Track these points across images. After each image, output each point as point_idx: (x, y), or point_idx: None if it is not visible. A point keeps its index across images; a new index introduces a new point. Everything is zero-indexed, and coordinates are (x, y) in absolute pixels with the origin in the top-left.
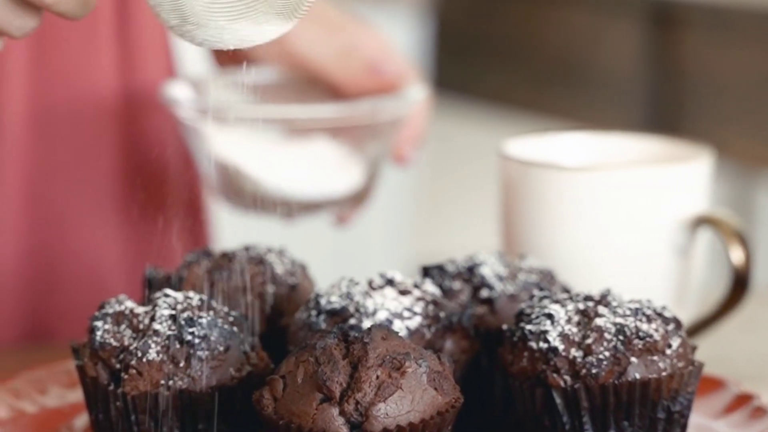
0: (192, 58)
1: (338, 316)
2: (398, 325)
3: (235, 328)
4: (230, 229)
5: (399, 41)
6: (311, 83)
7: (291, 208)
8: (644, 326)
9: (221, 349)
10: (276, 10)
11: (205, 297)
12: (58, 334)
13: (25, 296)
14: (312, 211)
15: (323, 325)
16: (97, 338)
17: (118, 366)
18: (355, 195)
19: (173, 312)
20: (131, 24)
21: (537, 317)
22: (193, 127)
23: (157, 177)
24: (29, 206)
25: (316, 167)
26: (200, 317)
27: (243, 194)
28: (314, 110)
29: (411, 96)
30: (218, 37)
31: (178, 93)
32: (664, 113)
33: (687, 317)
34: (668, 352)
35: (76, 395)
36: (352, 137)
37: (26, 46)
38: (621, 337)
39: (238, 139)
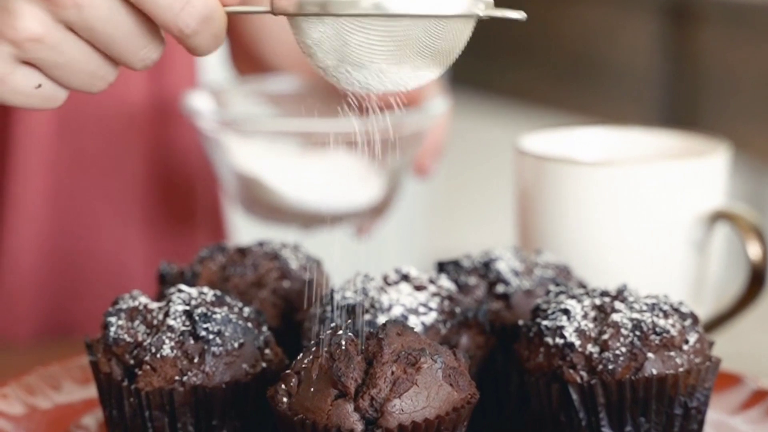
0: (213, 67)
1: (353, 311)
2: (413, 321)
3: (249, 324)
4: (247, 236)
5: None
6: (332, 92)
7: (310, 219)
8: (661, 322)
9: (235, 345)
10: (433, 55)
11: (219, 292)
12: (80, 332)
13: (48, 295)
14: (332, 222)
15: (338, 321)
16: (111, 334)
17: (132, 362)
18: (375, 207)
19: (187, 308)
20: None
21: (553, 313)
22: (213, 138)
23: (180, 182)
24: (54, 206)
25: (336, 179)
26: (214, 313)
27: (262, 205)
28: (336, 124)
29: (433, 109)
30: (374, 80)
31: (199, 104)
32: (679, 108)
33: (704, 313)
34: (685, 347)
35: (90, 391)
36: (372, 149)
37: None
38: (638, 333)
39: (258, 150)
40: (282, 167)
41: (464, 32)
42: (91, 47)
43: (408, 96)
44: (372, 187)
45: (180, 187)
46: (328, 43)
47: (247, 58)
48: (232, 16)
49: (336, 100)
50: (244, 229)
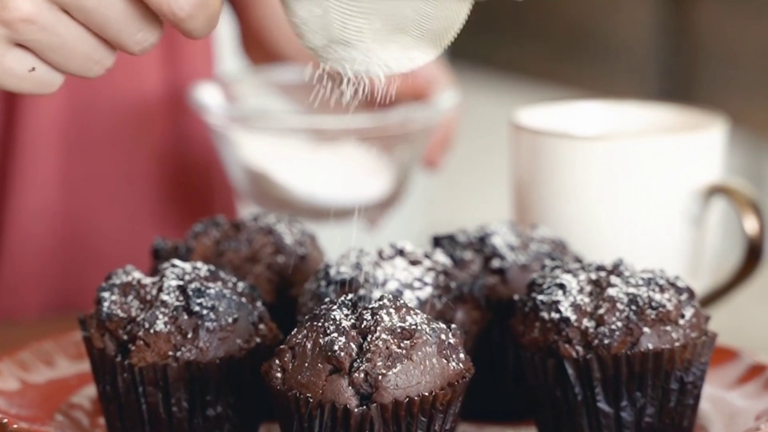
0: (228, 56)
1: (348, 286)
2: (408, 296)
3: (243, 299)
4: None
5: None
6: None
7: (320, 213)
8: (657, 296)
9: (229, 320)
10: (425, 36)
11: (213, 267)
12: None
13: (57, 279)
14: (342, 216)
15: (333, 296)
16: (104, 309)
17: (125, 337)
18: (384, 200)
19: (181, 283)
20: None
21: (549, 287)
22: (221, 133)
23: (192, 173)
24: (64, 191)
25: (345, 173)
26: (208, 288)
27: (271, 199)
28: (346, 120)
29: (443, 103)
30: (364, 60)
31: (208, 97)
32: (677, 83)
33: (700, 287)
34: (681, 322)
35: (84, 367)
36: (381, 143)
37: None
38: (633, 307)
39: (267, 145)
40: (291, 161)
41: (460, 13)
42: (85, 29)
43: (418, 90)
44: (381, 180)
45: (192, 177)
46: (315, 22)
47: (259, 48)
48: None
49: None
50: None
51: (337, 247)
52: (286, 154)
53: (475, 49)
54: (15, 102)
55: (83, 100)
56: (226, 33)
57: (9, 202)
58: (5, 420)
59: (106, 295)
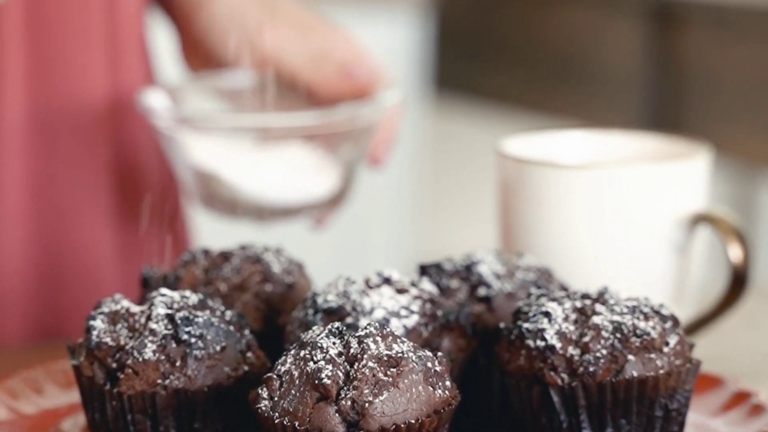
0: (167, 64)
1: (335, 314)
2: (395, 324)
3: (231, 328)
4: (212, 232)
5: (400, 39)
6: (285, 86)
7: (268, 213)
8: (641, 324)
9: (218, 348)
10: None
11: (201, 296)
12: (66, 331)
13: (32, 294)
14: (289, 215)
15: (320, 324)
16: (94, 338)
17: (114, 365)
18: (331, 198)
19: (170, 311)
20: (119, 28)
21: (534, 315)
22: (169, 136)
23: (139, 179)
24: (32, 205)
25: (291, 172)
26: (196, 316)
27: (220, 200)
28: (291, 118)
29: (386, 101)
30: None
31: (154, 101)
32: (664, 111)
33: (685, 315)
34: (666, 349)
35: (73, 395)
36: (327, 142)
37: (24, 45)
38: (618, 335)
39: (214, 146)
40: (238, 162)
41: None
42: None
43: (360, 88)
44: (327, 178)
45: (139, 183)
46: None
47: (199, 53)
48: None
49: (289, 94)
50: (204, 225)
51: (306, 246)
52: (233, 154)
53: (461, 77)
54: None
55: (44, 107)
56: (163, 41)
57: None
58: None
59: (95, 323)
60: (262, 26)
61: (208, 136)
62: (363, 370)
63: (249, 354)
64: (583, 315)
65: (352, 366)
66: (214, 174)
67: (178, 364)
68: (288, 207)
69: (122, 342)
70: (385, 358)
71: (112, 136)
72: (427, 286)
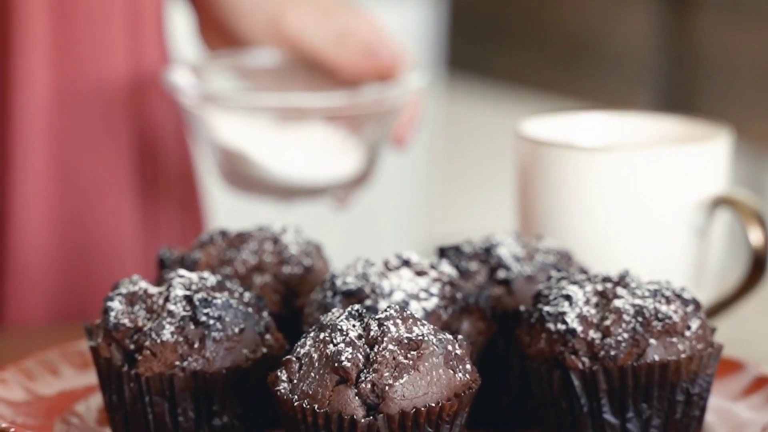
0: (184, 43)
1: (354, 297)
2: (414, 306)
3: (250, 309)
4: (228, 212)
5: (412, 21)
6: (306, 66)
7: (292, 192)
8: (663, 308)
9: (236, 330)
10: None
11: (219, 277)
12: (89, 311)
13: (55, 274)
14: (313, 194)
15: (339, 306)
16: (111, 319)
17: (132, 347)
18: (355, 178)
19: (188, 293)
20: (139, 6)
21: (555, 298)
22: (194, 113)
23: (161, 159)
24: (55, 184)
25: (317, 151)
26: (215, 298)
27: (245, 178)
28: (319, 99)
29: (412, 83)
30: None
31: (179, 79)
32: (678, 95)
33: (705, 299)
34: (687, 333)
35: (89, 377)
36: (352, 122)
37: (47, 25)
38: (640, 319)
39: (239, 124)
40: (264, 141)
41: None
42: None
43: (383, 70)
44: (351, 158)
45: (160, 162)
46: None
47: (218, 32)
48: None
49: (311, 74)
50: (221, 205)
51: (322, 228)
52: (259, 133)
53: (474, 59)
54: (3, 94)
55: (68, 88)
56: (179, 19)
57: (8, 206)
58: (12, 429)
59: (113, 304)
60: (285, 6)
61: (234, 114)
62: (383, 352)
63: (267, 336)
64: (605, 298)
65: (372, 349)
66: (239, 152)
67: (196, 345)
68: (312, 186)
69: (140, 323)
70: (406, 341)
71: (134, 115)
72: (447, 268)
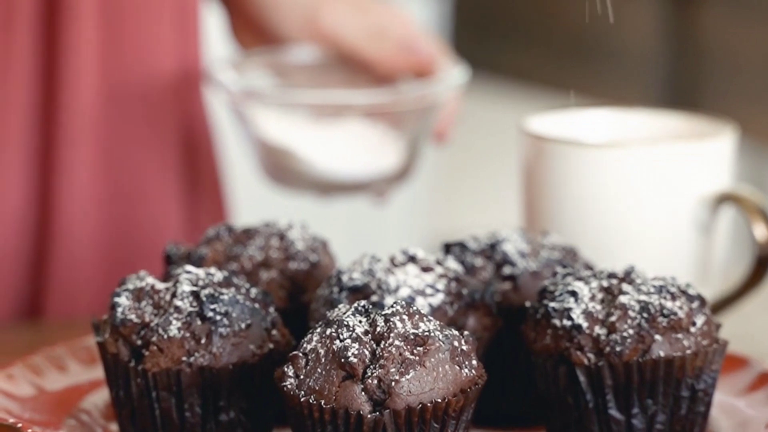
0: (216, 41)
1: (360, 293)
2: (421, 302)
3: (256, 305)
4: (248, 207)
5: (417, 18)
6: (343, 62)
7: (334, 188)
8: (668, 304)
9: (243, 326)
10: None
11: (226, 273)
12: None
13: (100, 270)
14: (354, 190)
15: (345, 302)
16: (118, 314)
17: (139, 342)
18: (395, 174)
19: (195, 288)
20: (186, 6)
21: (560, 294)
22: (237, 110)
23: (204, 156)
24: (102, 181)
25: (359, 147)
26: (222, 294)
27: (287, 174)
28: (364, 95)
29: (452, 80)
30: None
31: (222, 75)
32: (682, 90)
33: (709, 295)
34: (693, 329)
35: (96, 372)
36: (394, 118)
37: (97, 23)
38: (645, 315)
39: (282, 120)
40: (308, 136)
41: None
42: None
43: (420, 65)
44: (393, 154)
45: (203, 159)
46: None
47: (253, 30)
48: None
49: (348, 70)
50: (247, 200)
51: (327, 223)
52: (303, 129)
53: (477, 55)
54: (52, 92)
55: (116, 88)
56: (213, 17)
57: (55, 203)
58: (20, 425)
59: (120, 300)
60: (321, 3)
61: (276, 110)
62: (389, 348)
63: (274, 332)
64: (610, 294)
65: (378, 344)
66: (283, 148)
67: (203, 341)
68: (354, 182)
69: (147, 319)
70: (412, 337)
71: (179, 113)
72: (452, 264)
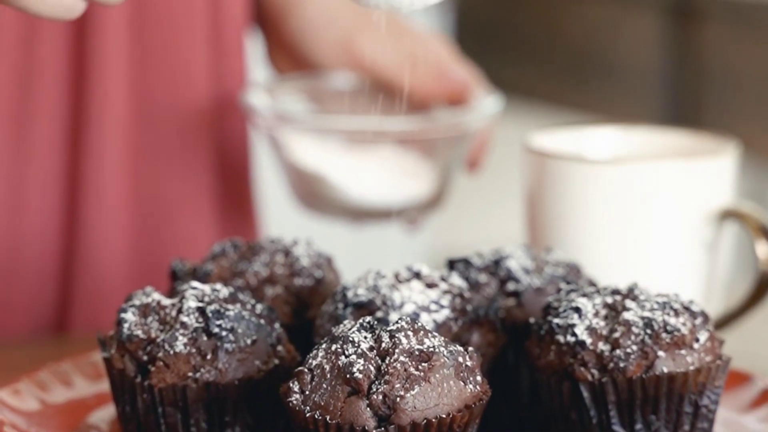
0: (257, 66)
1: (365, 308)
2: (425, 318)
3: (262, 321)
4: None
5: None
6: (379, 89)
7: (366, 214)
8: (672, 320)
9: (248, 341)
10: None
11: (231, 289)
12: None
13: (131, 289)
14: (386, 217)
15: (350, 318)
16: (125, 330)
17: (145, 358)
18: (427, 201)
19: (200, 304)
20: (222, 27)
21: (564, 311)
22: (270, 135)
23: (237, 178)
24: (133, 203)
25: (392, 174)
26: (227, 309)
27: (320, 200)
28: (397, 122)
29: (486, 109)
30: None
31: (256, 100)
32: (683, 107)
33: (713, 311)
34: (696, 346)
35: (102, 387)
36: (426, 145)
37: (128, 44)
38: (649, 331)
39: (315, 146)
40: (340, 163)
41: None
42: None
43: (454, 93)
44: (425, 181)
45: (236, 182)
46: None
47: (288, 55)
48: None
49: (384, 97)
50: (276, 218)
51: (330, 239)
52: (336, 155)
53: (482, 72)
54: (81, 110)
55: (146, 106)
56: (255, 43)
57: (85, 222)
58: None
59: (126, 316)
60: (356, 29)
61: (309, 136)
62: (394, 364)
63: (279, 347)
64: (614, 311)
65: (383, 360)
66: (316, 174)
67: (209, 357)
68: (386, 208)
69: (153, 335)
70: (417, 353)
71: (213, 137)
72: (457, 280)
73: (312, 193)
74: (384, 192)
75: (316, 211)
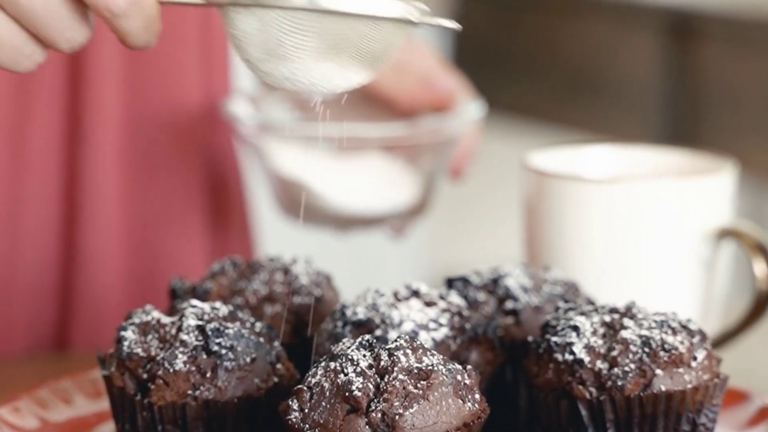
0: (242, 75)
1: (364, 327)
2: (424, 337)
3: (261, 339)
4: (275, 241)
5: None
6: (363, 97)
7: (350, 222)
8: (670, 338)
9: (248, 359)
10: (362, 56)
11: (231, 307)
12: None
13: (125, 301)
14: (370, 224)
15: (349, 336)
16: (125, 348)
17: (145, 376)
18: (412, 208)
19: (200, 322)
20: (213, 37)
21: (562, 329)
22: (253, 143)
23: (228, 188)
24: (126, 211)
25: (375, 181)
26: (227, 328)
27: (306, 209)
28: (379, 129)
29: (469, 115)
30: (302, 74)
31: (238, 109)
32: (681, 125)
33: (710, 329)
34: (694, 364)
35: (101, 405)
36: (409, 152)
37: (121, 53)
38: (647, 350)
39: (298, 154)
40: (323, 171)
41: (396, 38)
42: (16, 24)
43: (440, 100)
44: (409, 188)
45: (227, 191)
46: (254, 35)
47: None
48: None
49: (368, 104)
50: (272, 232)
51: (329, 257)
52: (319, 163)
53: (479, 90)
54: (76, 123)
55: (141, 121)
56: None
57: (80, 231)
58: None
59: (126, 334)
60: None
61: (292, 144)
62: (393, 382)
63: (279, 365)
64: (612, 329)
65: (382, 378)
66: (299, 182)
67: (208, 375)
68: (370, 216)
69: (153, 353)
70: (416, 371)
71: (204, 144)
72: (455, 299)
73: (294, 202)
74: (368, 200)
75: (298, 220)
